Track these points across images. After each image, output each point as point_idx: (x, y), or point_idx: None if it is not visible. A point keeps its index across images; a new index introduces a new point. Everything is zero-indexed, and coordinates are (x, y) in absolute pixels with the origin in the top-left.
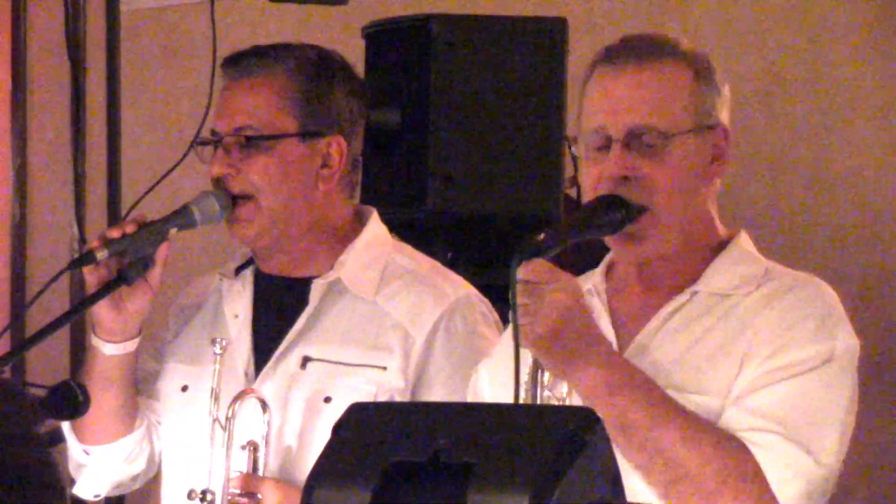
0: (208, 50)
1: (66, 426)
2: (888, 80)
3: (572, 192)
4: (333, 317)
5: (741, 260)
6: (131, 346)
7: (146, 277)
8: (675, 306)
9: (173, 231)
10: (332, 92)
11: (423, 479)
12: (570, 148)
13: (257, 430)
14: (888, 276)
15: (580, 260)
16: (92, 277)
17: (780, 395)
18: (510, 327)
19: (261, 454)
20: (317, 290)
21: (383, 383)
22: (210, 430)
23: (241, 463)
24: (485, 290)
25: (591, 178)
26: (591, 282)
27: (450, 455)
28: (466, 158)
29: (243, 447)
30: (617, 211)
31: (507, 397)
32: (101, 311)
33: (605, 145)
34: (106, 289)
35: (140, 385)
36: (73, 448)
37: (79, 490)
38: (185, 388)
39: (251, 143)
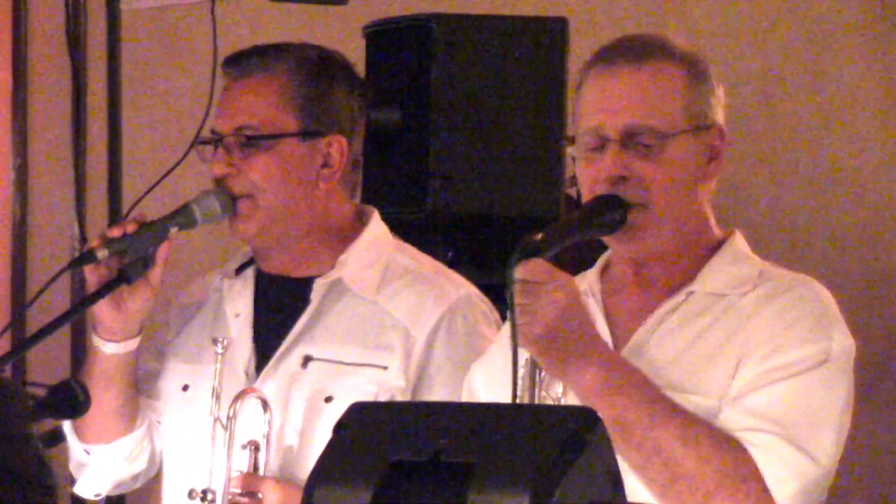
0: (209, 49)
1: (66, 425)
2: (888, 80)
3: (572, 192)
4: (334, 316)
5: (736, 260)
6: (132, 345)
7: (147, 277)
8: (671, 306)
9: (174, 230)
10: (332, 91)
11: (424, 479)
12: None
13: (258, 429)
14: (889, 277)
15: (580, 260)
16: (92, 276)
17: (776, 395)
18: (506, 326)
19: (262, 454)
20: (318, 289)
21: (384, 383)
22: (211, 430)
23: (241, 462)
24: (485, 289)
25: (588, 178)
26: (587, 282)
27: (450, 455)
28: (467, 158)
29: (244, 447)
30: (615, 211)
31: (501, 397)
32: (102, 310)
33: (602, 145)
34: (106, 288)
35: (141, 384)
36: (74, 447)
37: (79, 489)
38: (185, 388)
39: (251, 142)
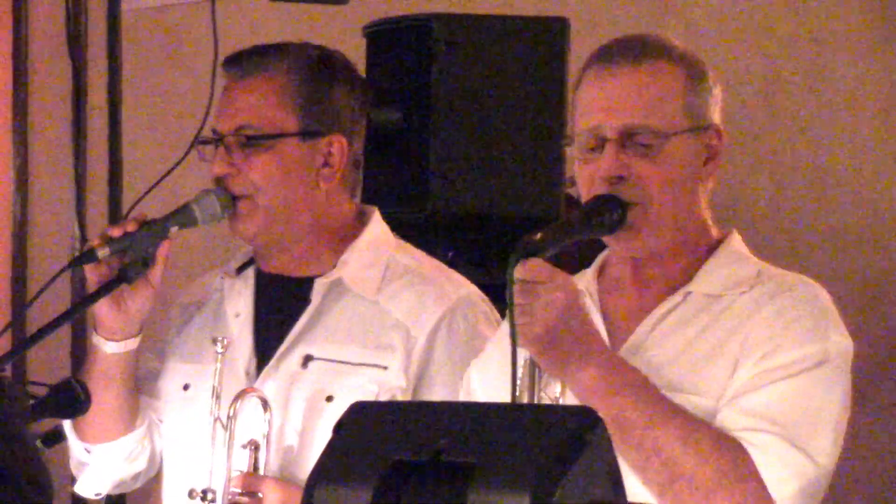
0: (209, 49)
1: (67, 424)
2: (889, 80)
3: (573, 192)
4: (335, 316)
5: (734, 261)
6: (132, 344)
7: (147, 276)
8: (669, 307)
9: (174, 230)
10: (332, 91)
11: (424, 479)
12: None
13: (258, 429)
14: (889, 277)
15: (580, 260)
16: (93, 276)
17: (775, 395)
18: (502, 326)
19: (262, 453)
20: (318, 289)
21: (385, 382)
22: (211, 429)
23: (242, 462)
24: (485, 289)
25: (586, 177)
26: (583, 282)
27: (451, 454)
28: (467, 158)
29: (244, 446)
30: (614, 210)
31: (498, 396)
32: (102, 309)
33: (600, 145)
34: (107, 287)
35: (141, 384)
36: (75, 446)
37: (80, 488)
38: (186, 387)
39: (252, 142)
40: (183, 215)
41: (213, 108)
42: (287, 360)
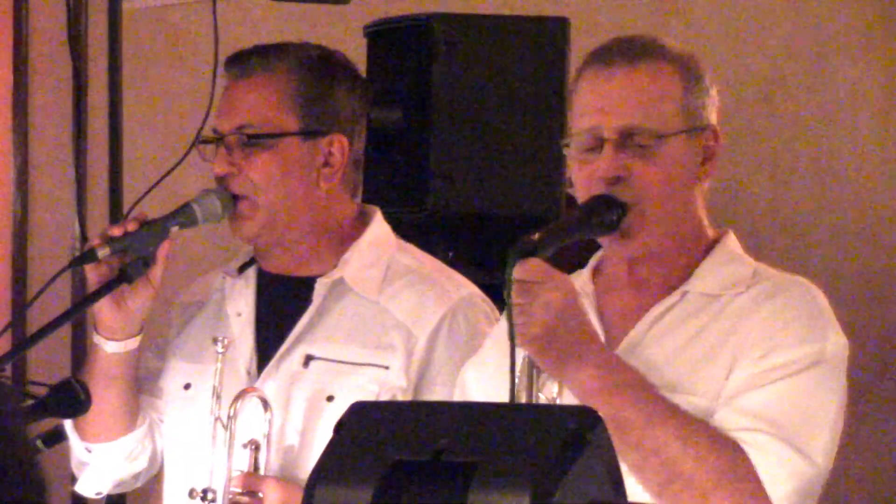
0: (210, 49)
1: (67, 424)
2: (889, 80)
3: (573, 192)
4: (336, 316)
5: (730, 261)
6: (133, 344)
7: (147, 275)
8: (665, 307)
9: (175, 229)
10: (333, 91)
11: (425, 479)
12: None
13: (259, 428)
14: (889, 277)
15: (579, 260)
16: (93, 275)
17: (771, 395)
18: (497, 326)
19: (262, 453)
20: (320, 289)
21: (386, 382)
22: (212, 429)
23: (242, 462)
24: (485, 289)
25: (583, 178)
26: (579, 282)
27: (451, 454)
28: (467, 158)
29: (245, 446)
30: (613, 211)
31: (493, 396)
32: (103, 309)
33: (597, 146)
34: (107, 287)
35: (143, 383)
36: (75, 446)
37: (80, 488)
38: (187, 387)
39: (252, 141)
40: (183, 215)
41: (214, 107)
42: (288, 360)
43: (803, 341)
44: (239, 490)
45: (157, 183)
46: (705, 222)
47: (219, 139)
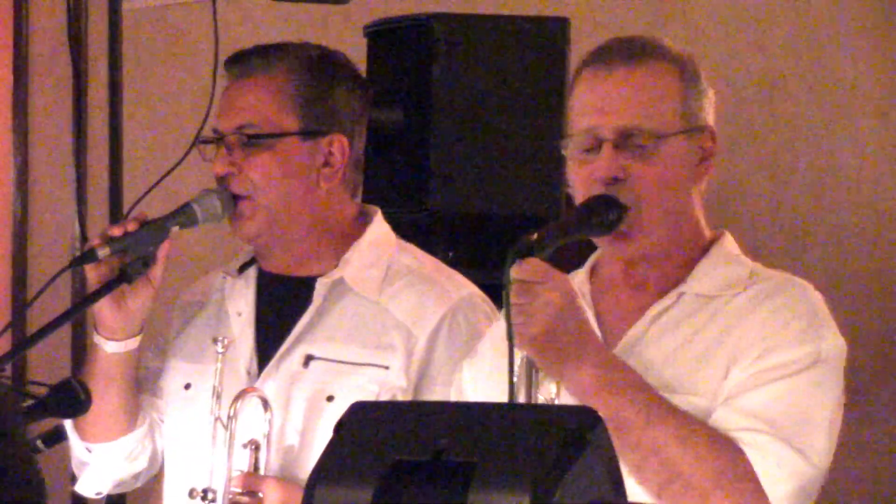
0: (210, 49)
1: (68, 424)
2: (889, 80)
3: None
4: (336, 316)
5: (726, 262)
6: (133, 344)
7: (147, 275)
8: (662, 308)
9: (175, 229)
10: (333, 91)
11: (425, 478)
12: None
13: (259, 428)
14: (889, 277)
15: (579, 260)
16: (93, 275)
17: (769, 395)
18: (494, 326)
19: (262, 453)
20: (320, 289)
21: (386, 382)
22: (212, 429)
23: (242, 462)
24: (485, 289)
25: (581, 178)
26: (576, 282)
27: (451, 454)
28: (467, 158)
29: (245, 446)
30: (612, 211)
31: (490, 396)
32: (103, 309)
33: (596, 146)
34: (107, 287)
35: (143, 383)
36: (75, 446)
37: (81, 488)
38: (187, 386)
39: (252, 141)
40: (184, 215)
41: (214, 107)
42: (288, 360)
43: (801, 341)
44: (239, 490)
45: (157, 183)
46: (702, 223)
47: (219, 139)
